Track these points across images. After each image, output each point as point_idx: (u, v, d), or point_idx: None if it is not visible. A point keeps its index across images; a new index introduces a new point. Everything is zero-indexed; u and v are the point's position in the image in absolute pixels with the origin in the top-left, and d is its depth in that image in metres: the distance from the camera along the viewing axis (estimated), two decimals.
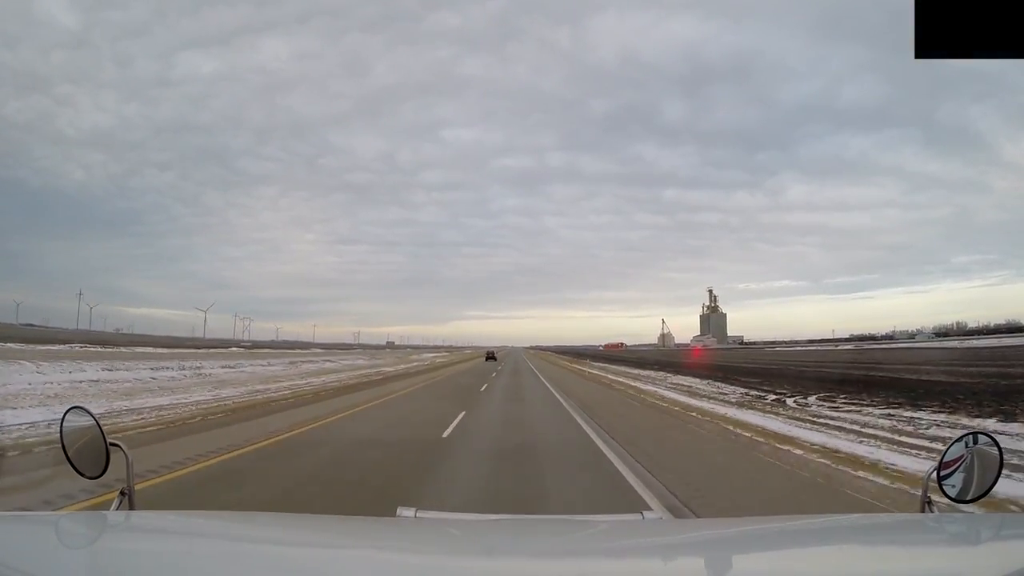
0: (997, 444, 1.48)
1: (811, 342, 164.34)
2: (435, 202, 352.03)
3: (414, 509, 1.66)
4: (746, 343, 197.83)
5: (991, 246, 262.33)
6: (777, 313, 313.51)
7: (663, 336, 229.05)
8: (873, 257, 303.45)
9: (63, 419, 1.57)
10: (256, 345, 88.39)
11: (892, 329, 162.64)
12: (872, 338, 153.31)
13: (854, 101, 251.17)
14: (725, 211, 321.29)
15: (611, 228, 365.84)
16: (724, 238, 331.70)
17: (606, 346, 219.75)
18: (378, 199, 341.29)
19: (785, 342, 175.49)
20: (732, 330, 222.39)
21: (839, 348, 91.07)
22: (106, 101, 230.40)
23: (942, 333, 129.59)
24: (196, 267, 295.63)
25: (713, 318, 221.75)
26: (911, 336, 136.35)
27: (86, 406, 1.65)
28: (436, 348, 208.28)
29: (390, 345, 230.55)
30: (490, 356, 63.04)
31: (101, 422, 1.58)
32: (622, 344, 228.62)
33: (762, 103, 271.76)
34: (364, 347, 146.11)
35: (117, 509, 1.48)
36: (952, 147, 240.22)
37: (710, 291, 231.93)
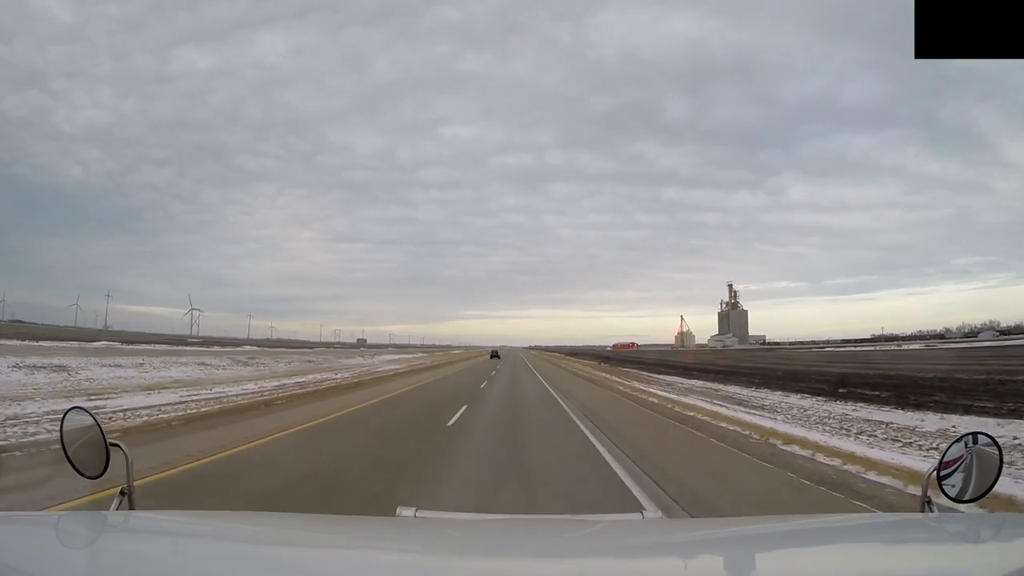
0: (997, 444, 1.49)
1: (846, 342, 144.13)
2: (434, 200, 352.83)
3: (414, 509, 1.67)
4: (769, 344, 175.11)
5: (992, 248, 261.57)
6: (776, 314, 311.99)
7: (682, 335, 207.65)
8: (873, 258, 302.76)
9: (63, 419, 1.57)
10: (207, 342, 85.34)
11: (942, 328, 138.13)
12: (921, 338, 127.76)
13: (856, 100, 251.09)
14: (725, 211, 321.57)
15: (611, 227, 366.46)
16: (724, 238, 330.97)
17: (615, 347, 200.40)
18: (377, 197, 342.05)
19: (829, 343, 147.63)
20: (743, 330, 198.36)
21: (904, 349, 73.03)
22: (102, 96, 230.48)
23: (1010, 331, 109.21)
24: (194, 265, 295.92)
25: (733, 315, 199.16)
26: (972, 334, 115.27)
27: (85, 406, 1.65)
28: (415, 348, 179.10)
29: (361, 343, 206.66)
30: (494, 355, 69.28)
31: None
32: (633, 344, 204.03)
33: (764, 102, 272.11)
34: (338, 345, 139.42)
35: (117, 509, 1.49)
36: (954, 147, 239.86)
37: (730, 286, 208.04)
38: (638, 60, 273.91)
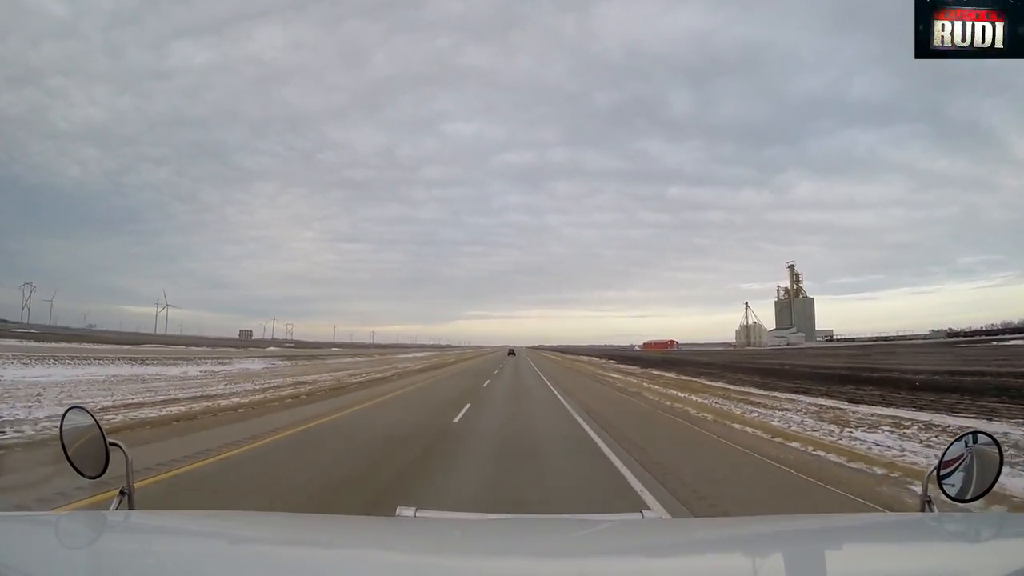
0: (997, 443, 1.49)
1: (956, 335, 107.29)
2: (435, 199, 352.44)
3: (414, 509, 1.67)
4: (841, 340, 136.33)
5: (997, 246, 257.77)
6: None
7: (747, 328, 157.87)
8: (878, 257, 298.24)
9: (63, 419, 1.56)
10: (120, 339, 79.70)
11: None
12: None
13: (864, 95, 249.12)
14: (730, 209, 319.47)
15: (615, 226, 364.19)
16: (729, 237, 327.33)
17: (646, 345, 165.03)
18: (378, 196, 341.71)
19: (928, 337, 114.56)
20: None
21: None
22: (99, 94, 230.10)
23: None
24: (195, 266, 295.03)
25: (796, 306, 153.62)
26: None
27: (86, 406, 1.65)
28: (373, 349, 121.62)
29: (244, 337, 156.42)
30: (511, 352, 72.74)
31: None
32: (672, 343, 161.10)
33: (771, 97, 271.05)
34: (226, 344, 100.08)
35: (117, 509, 1.49)
36: (962, 143, 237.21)
37: (791, 267, 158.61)
38: (643, 54, 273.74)
